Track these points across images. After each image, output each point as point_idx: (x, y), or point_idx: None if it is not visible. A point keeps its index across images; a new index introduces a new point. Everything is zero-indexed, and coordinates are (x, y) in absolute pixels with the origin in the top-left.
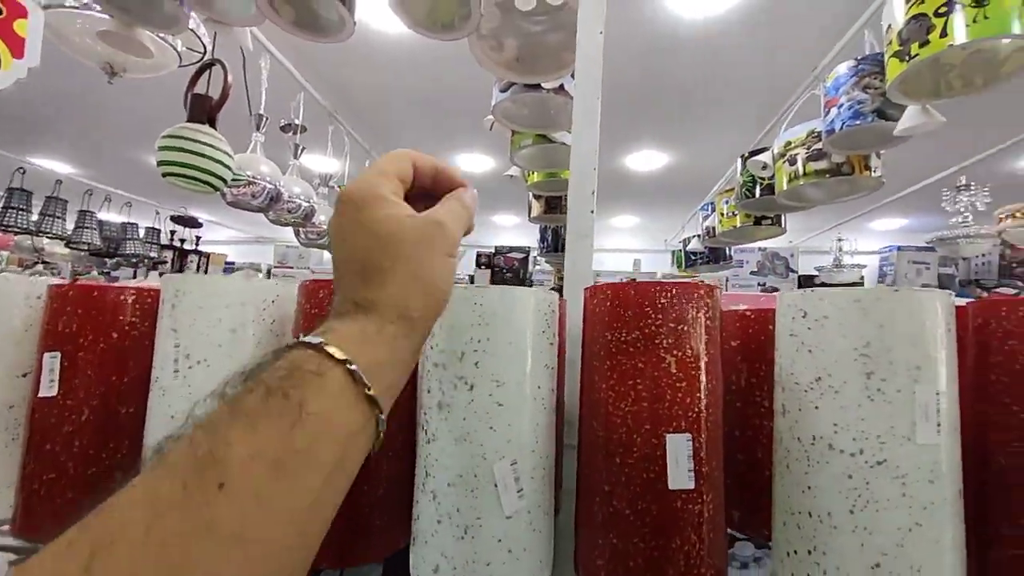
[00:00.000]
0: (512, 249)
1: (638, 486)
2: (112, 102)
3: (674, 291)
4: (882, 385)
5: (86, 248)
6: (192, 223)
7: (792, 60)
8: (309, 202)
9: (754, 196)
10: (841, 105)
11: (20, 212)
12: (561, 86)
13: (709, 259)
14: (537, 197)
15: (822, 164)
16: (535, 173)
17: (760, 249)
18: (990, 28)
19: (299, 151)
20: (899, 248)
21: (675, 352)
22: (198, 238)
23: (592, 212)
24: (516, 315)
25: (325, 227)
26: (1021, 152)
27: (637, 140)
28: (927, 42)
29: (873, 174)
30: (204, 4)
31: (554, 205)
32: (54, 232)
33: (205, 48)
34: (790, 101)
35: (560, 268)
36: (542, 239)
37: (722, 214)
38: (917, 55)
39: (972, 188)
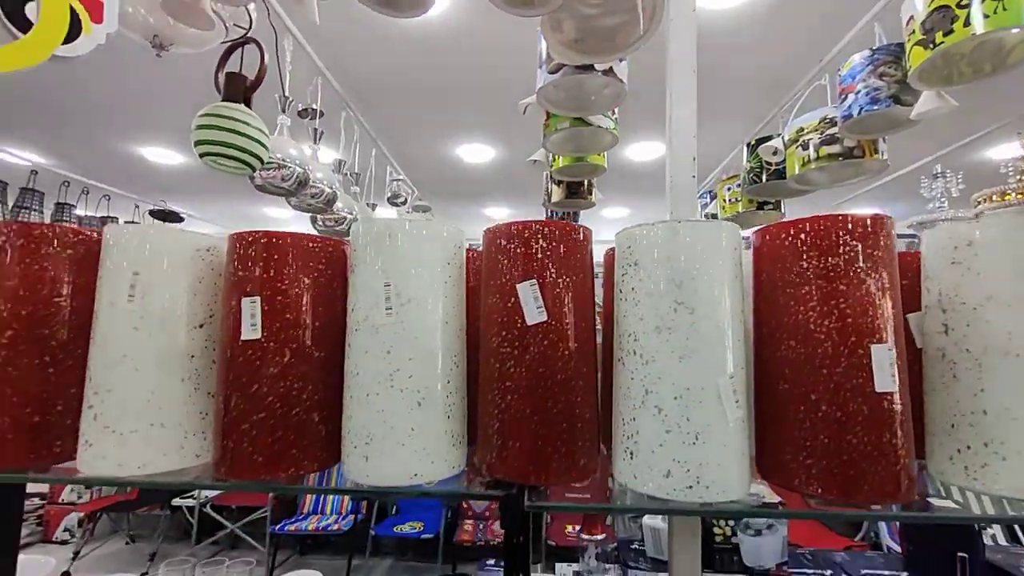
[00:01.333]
0: None
1: (847, 391)
2: (88, 87)
3: (868, 221)
4: None
5: None
6: (173, 217)
7: (794, 55)
8: (332, 188)
9: (761, 181)
10: (858, 92)
11: None
12: (611, 68)
13: None
14: (558, 183)
15: (835, 148)
16: (561, 158)
17: (745, 238)
18: (1007, 19)
19: (319, 136)
20: None
21: (872, 274)
22: None
23: (694, 177)
24: (720, 246)
25: (344, 214)
26: (989, 142)
27: (635, 130)
28: (951, 31)
29: (880, 157)
30: None
31: (575, 191)
32: None
33: (251, 23)
34: (795, 92)
35: None
36: None
37: (724, 200)
38: (942, 43)
39: (947, 176)
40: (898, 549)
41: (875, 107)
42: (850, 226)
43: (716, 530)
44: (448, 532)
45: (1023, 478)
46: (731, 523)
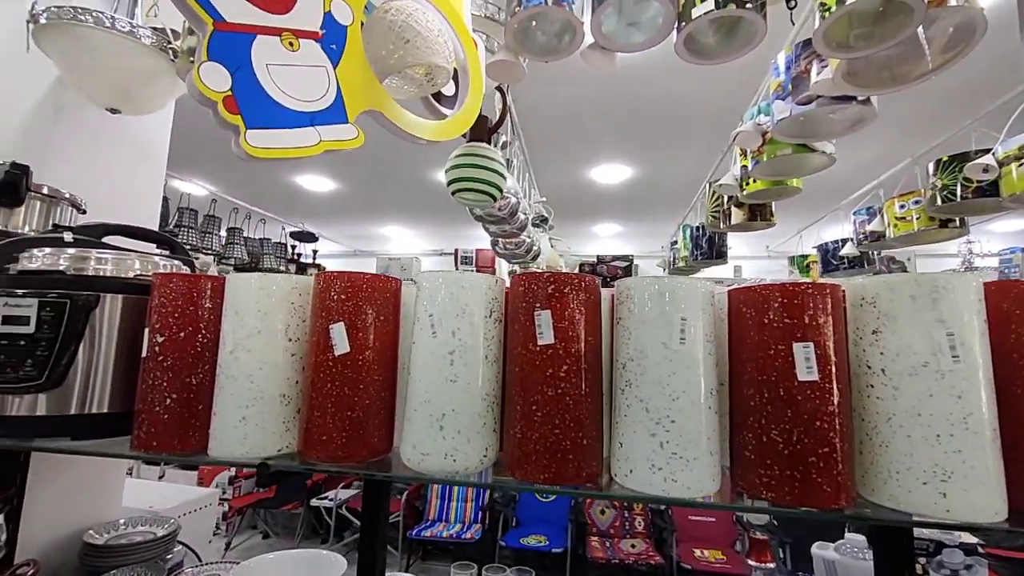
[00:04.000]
0: (616, 258)
1: None
2: None
3: None
4: None
5: (234, 263)
6: (309, 238)
7: (982, 65)
8: (526, 215)
9: (955, 199)
10: None
11: (190, 230)
12: (868, 97)
13: (853, 264)
14: (739, 205)
15: None
16: (759, 182)
17: (876, 253)
18: None
19: (509, 166)
20: (1021, 249)
21: None
22: (315, 252)
23: None
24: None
25: (524, 237)
26: None
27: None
28: None
29: None
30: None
31: (756, 213)
32: (212, 249)
33: None
34: (994, 107)
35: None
36: (696, 245)
37: (895, 218)
38: None
39: None
40: None
41: None
42: None
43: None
44: (575, 547)
45: None
46: (923, 561)
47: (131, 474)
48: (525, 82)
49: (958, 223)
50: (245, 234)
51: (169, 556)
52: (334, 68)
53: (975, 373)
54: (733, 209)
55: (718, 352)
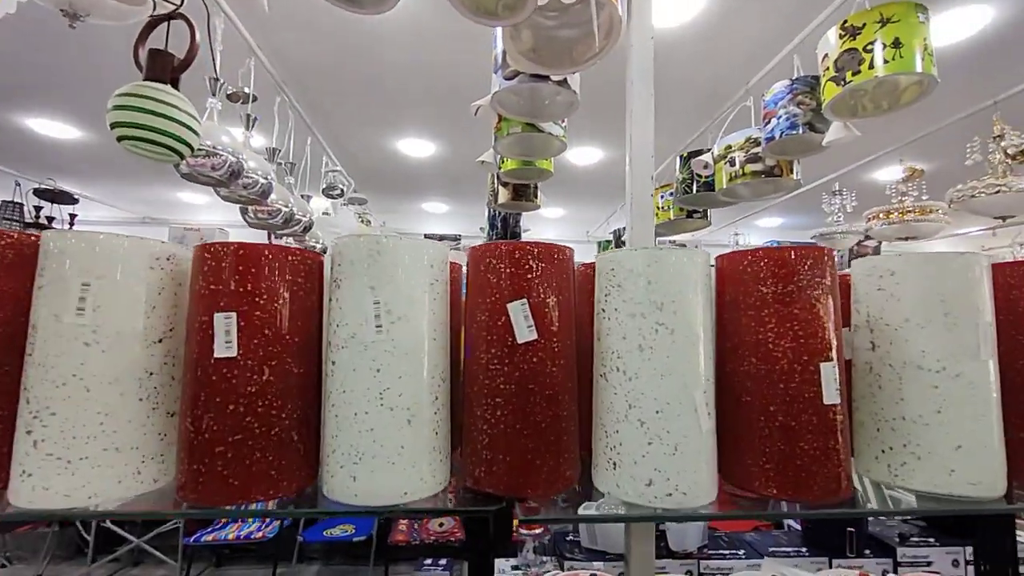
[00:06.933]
0: (443, 237)
1: (800, 404)
2: None
3: (819, 254)
4: (957, 320)
5: None
6: (64, 199)
7: (723, 75)
8: (267, 179)
9: (692, 192)
10: (779, 117)
11: None
12: (565, 79)
13: None
14: (505, 184)
15: (758, 166)
16: (510, 161)
17: (670, 241)
18: (902, 66)
19: (252, 122)
20: (777, 242)
21: (821, 300)
22: (72, 216)
23: (651, 196)
24: (696, 271)
25: (279, 206)
26: (877, 165)
27: (578, 135)
28: (859, 71)
29: (795, 176)
30: None
31: (521, 193)
32: None
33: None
34: (724, 110)
35: None
36: (492, 225)
37: (658, 207)
38: (851, 81)
39: (843, 193)
40: (798, 527)
41: (793, 132)
42: (802, 257)
43: None
44: (381, 533)
45: (935, 475)
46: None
47: None
48: (311, 36)
49: (702, 214)
50: None
51: None
52: None
53: (404, 344)
54: (500, 188)
55: (165, 328)
